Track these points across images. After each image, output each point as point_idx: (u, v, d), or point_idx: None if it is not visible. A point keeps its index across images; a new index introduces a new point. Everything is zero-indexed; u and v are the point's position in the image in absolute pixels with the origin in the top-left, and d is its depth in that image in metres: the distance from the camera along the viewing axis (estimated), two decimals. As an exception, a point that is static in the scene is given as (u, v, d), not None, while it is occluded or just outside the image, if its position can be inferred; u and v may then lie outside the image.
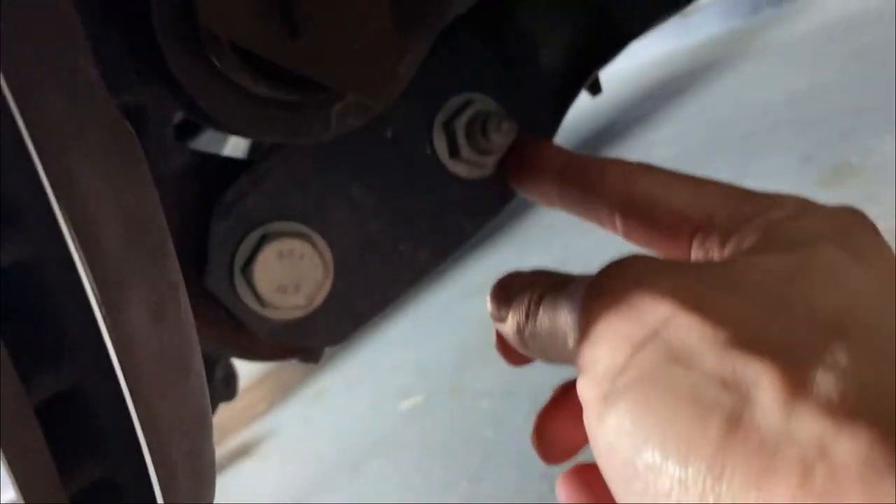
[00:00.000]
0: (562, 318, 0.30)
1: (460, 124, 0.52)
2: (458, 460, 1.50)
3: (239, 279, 0.49)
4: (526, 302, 0.33)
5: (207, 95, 0.35)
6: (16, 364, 0.28)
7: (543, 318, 0.31)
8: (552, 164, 0.43)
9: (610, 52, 0.57)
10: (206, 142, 0.91)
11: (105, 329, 0.28)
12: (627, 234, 0.36)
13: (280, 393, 2.44)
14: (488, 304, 0.36)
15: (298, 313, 0.51)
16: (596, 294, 0.28)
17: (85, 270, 0.28)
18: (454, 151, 0.52)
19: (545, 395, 1.52)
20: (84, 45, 0.27)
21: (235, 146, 0.99)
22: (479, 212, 0.55)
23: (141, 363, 0.30)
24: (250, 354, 0.56)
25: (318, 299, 0.51)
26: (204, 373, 0.35)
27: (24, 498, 0.30)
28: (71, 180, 0.27)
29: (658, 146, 2.38)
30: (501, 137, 0.50)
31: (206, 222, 0.48)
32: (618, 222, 0.36)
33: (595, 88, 0.62)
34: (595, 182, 0.38)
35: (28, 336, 0.29)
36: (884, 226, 1.21)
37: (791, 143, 2.02)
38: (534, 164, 0.46)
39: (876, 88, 2.04)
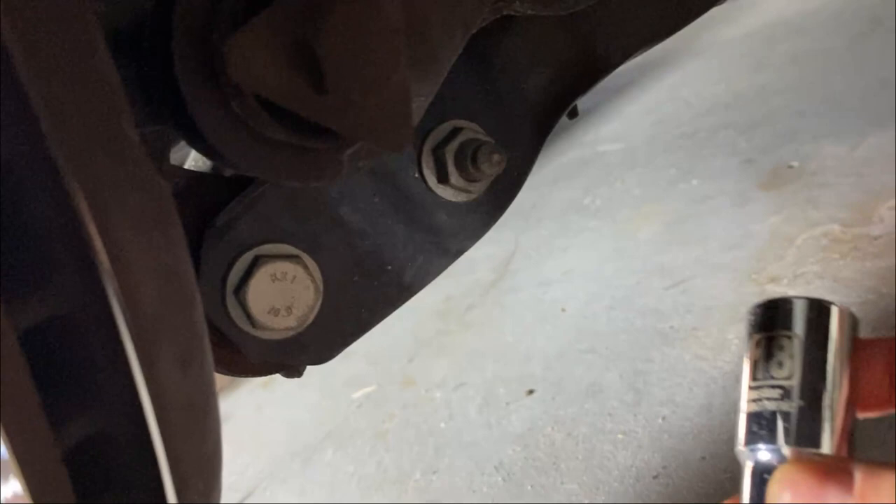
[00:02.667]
0: None
1: (450, 151, 0.53)
2: (411, 451, 1.52)
3: (231, 301, 0.49)
4: None
5: (227, 140, 0.35)
6: (47, 410, 0.29)
7: None
8: None
9: (592, 80, 0.58)
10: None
11: (138, 381, 0.29)
12: None
13: (227, 380, 2.41)
14: None
15: (289, 334, 0.52)
16: None
17: (122, 325, 0.28)
18: (443, 178, 0.54)
19: (497, 388, 1.56)
20: (126, 109, 0.27)
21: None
22: (464, 234, 0.57)
23: (170, 412, 0.31)
24: (235, 370, 0.56)
25: (309, 320, 0.52)
26: (219, 412, 0.35)
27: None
28: (112, 239, 0.27)
29: (604, 143, 2.43)
30: (491, 168, 0.52)
31: (200, 243, 0.49)
32: None
33: (572, 112, 0.64)
34: None
35: (60, 383, 0.30)
36: (824, 229, 1.26)
37: (733, 143, 2.09)
38: None
39: (815, 93, 2.13)
